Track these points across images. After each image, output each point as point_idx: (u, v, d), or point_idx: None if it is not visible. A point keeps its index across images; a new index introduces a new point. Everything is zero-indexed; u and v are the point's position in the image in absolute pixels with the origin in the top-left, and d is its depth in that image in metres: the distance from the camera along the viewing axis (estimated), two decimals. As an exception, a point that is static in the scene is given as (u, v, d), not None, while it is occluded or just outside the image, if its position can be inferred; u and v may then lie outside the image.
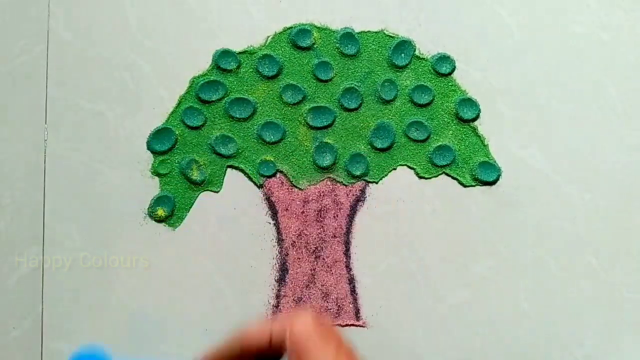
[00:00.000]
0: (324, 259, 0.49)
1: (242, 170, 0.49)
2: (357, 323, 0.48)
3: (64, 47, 0.48)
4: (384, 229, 0.48)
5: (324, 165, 0.49)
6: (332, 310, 0.48)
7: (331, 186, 0.49)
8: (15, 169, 0.48)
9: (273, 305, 0.49)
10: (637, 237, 0.49)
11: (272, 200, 0.49)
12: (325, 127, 0.49)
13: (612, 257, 0.49)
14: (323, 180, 0.49)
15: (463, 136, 0.49)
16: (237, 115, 0.48)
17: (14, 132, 0.48)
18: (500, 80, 0.49)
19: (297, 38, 0.49)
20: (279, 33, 0.49)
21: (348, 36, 0.49)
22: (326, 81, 0.49)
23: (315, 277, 0.49)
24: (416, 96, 0.49)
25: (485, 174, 0.49)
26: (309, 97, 0.49)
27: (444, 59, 0.49)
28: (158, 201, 0.48)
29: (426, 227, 0.49)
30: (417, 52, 0.49)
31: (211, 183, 0.49)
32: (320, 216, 0.49)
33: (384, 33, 0.49)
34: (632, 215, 0.49)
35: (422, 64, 0.49)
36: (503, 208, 0.49)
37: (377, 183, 0.49)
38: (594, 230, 0.49)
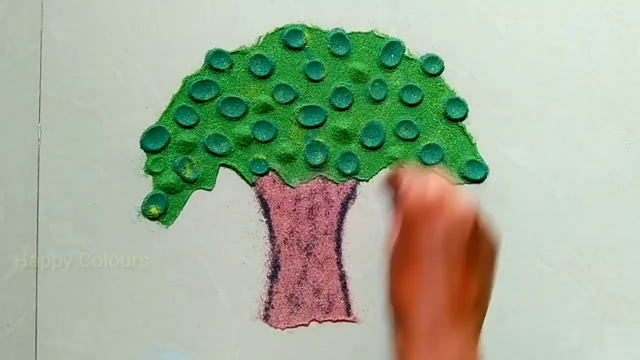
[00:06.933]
0: (315, 255, 0.49)
1: (234, 169, 0.49)
2: (348, 318, 0.49)
3: (58, 47, 0.48)
4: (374, 226, 0.49)
5: (316, 163, 0.49)
6: (323, 306, 0.49)
7: (322, 184, 0.49)
8: (9, 167, 0.48)
9: (265, 302, 0.49)
10: (619, 234, 0.50)
11: (264, 198, 0.49)
12: (317, 126, 0.49)
13: (595, 253, 0.50)
14: (314, 178, 0.49)
15: (451, 135, 0.50)
16: (230, 115, 0.49)
17: (7, 131, 0.48)
18: (488, 80, 0.50)
19: (289, 38, 0.49)
20: (271, 34, 0.49)
21: (339, 37, 0.49)
22: (317, 81, 0.49)
23: (307, 273, 0.49)
24: (406, 96, 0.49)
25: (473, 172, 0.50)
26: (300, 97, 0.49)
27: (433, 59, 0.50)
28: (151, 199, 0.48)
29: (415, 224, 0.49)
30: (406, 53, 0.50)
31: (204, 181, 0.49)
32: (312, 214, 0.49)
33: (374, 34, 0.50)
34: (615, 212, 0.50)
35: (412, 65, 0.50)
36: (490, 205, 0.49)
37: (367, 181, 0.50)
38: (578, 227, 0.50)
